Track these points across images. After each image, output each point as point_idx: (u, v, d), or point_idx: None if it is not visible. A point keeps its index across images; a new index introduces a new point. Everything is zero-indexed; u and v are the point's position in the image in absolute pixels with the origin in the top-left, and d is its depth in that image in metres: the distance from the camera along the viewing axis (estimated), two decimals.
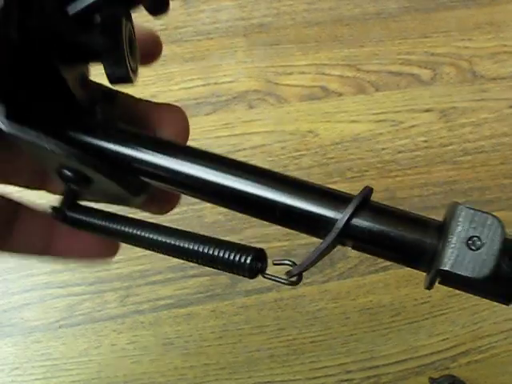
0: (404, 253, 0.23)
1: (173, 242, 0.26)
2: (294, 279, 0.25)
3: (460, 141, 0.73)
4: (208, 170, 0.24)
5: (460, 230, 0.22)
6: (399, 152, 0.72)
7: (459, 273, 0.21)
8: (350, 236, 0.23)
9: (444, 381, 0.60)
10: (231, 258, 0.25)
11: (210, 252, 0.26)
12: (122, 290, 0.64)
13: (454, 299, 0.65)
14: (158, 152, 0.24)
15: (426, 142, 0.73)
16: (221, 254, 0.25)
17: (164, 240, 0.27)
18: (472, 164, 0.72)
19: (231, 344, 0.62)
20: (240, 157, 0.71)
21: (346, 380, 0.61)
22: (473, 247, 0.21)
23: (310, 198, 0.23)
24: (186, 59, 0.78)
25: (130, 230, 0.27)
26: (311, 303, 0.64)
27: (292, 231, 0.70)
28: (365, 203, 0.22)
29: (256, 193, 0.23)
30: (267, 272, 0.26)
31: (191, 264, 0.73)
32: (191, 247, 0.26)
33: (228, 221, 0.68)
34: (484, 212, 0.22)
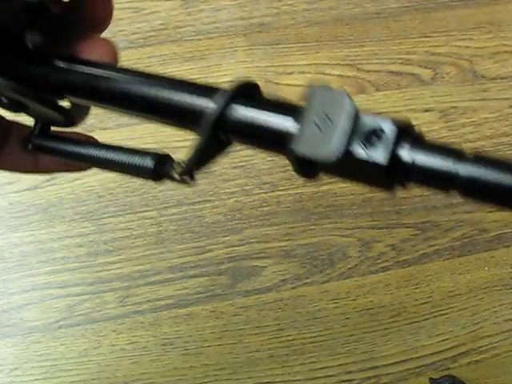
0: (271, 139, 0.23)
1: (100, 155, 0.29)
2: (186, 179, 0.27)
3: (460, 141, 0.73)
4: (116, 78, 0.25)
5: (312, 111, 0.21)
6: None
7: (309, 155, 0.20)
8: (226, 127, 0.23)
9: (444, 381, 0.60)
10: (137, 162, 0.27)
11: (121, 158, 0.28)
12: (122, 291, 0.64)
13: (455, 299, 0.65)
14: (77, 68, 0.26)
15: None
16: (128, 159, 0.28)
17: (97, 155, 0.29)
18: None
19: (231, 344, 0.62)
20: (240, 156, 0.71)
21: (346, 380, 0.61)
22: (323, 127, 0.20)
23: (186, 90, 0.24)
24: (185, 59, 0.77)
25: (77, 150, 0.30)
26: (311, 303, 0.64)
27: (292, 231, 0.70)
28: (240, 94, 0.23)
29: (138, 90, 0.24)
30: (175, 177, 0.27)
31: (191, 264, 0.73)
32: (107, 156, 0.28)
33: (228, 221, 0.68)
34: (337, 90, 0.21)
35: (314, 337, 0.63)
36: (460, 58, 0.79)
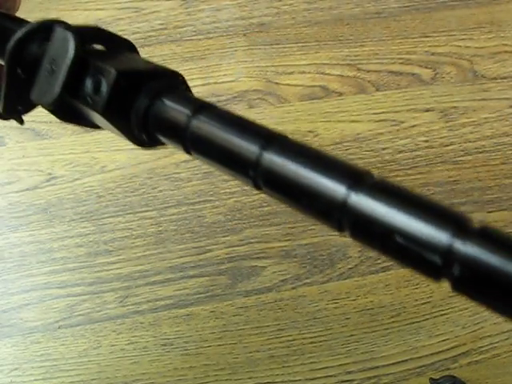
0: None
1: None
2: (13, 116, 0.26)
3: (461, 141, 0.73)
4: None
5: (47, 56, 0.21)
6: (400, 152, 0.72)
7: (36, 101, 0.20)
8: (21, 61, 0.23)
9: (445, 381, 0.60)
10: None
11: None
12: (122, 291, 0.64)
13: (455, 299, 0.65)
14: None
15: (426, 141, 0.73)
16: None
17: None
18: (473, 164, 0.71)
19: (231, 344, 0.62)
20: None
21: (346, 381, 0.61)
22: (51, 73, 0.20)
23: None
24: (185, 58, 0.77)
25: None
26: (311, 303, 0.64)
27: (292, 231, 0.70)
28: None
29: None
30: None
31: (191, 264, 0.73)
32: None
33: (228, 221, 0.68)
34: (71, 29, 0.21)
35: (314, 337, 0.63)
36: (460, 57, 0.79)
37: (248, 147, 0.20)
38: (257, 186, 0.20)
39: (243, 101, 0.74)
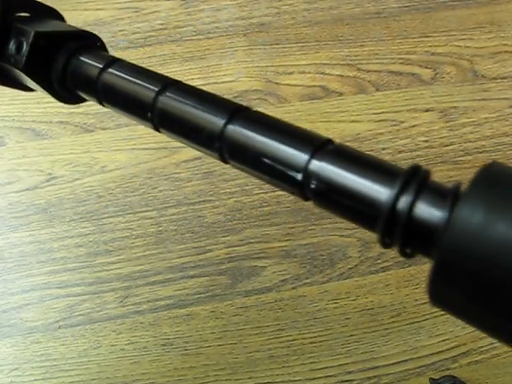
0: None
1: None
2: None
3: (461, 141, 0.73)
4: None
5: None
6: (400, 152, 0.72)
7: None
8: None
9: (445, 381, 0.60)
10: None
11: None
12: (122, 291, 0.64)
13: None
14: None
15: (426, 141, 0.73)
16: None
17: None
18: (473, 164, 0.71)
19: (231, 345, 0.62)
20: None
21: (346, 381, 0.61)
22: None
23: None
24: (185, 59, 0.77)
25: None
26: (311, 303, 0.64)
27: (292, 231, 0.70)
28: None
29: None
30: None
31: (191, 264, 0.73)
32: None
33: (228, 221, 0.68)
34: None
35: (314, 337, 0.63)
36: (460, 57, 0.79)
37: (146, 92, 0.23)
38: (154, 124, 0.23)
39: (243, 101, 0.74)
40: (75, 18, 0.79)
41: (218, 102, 0.23)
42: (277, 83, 0.76)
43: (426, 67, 0.78)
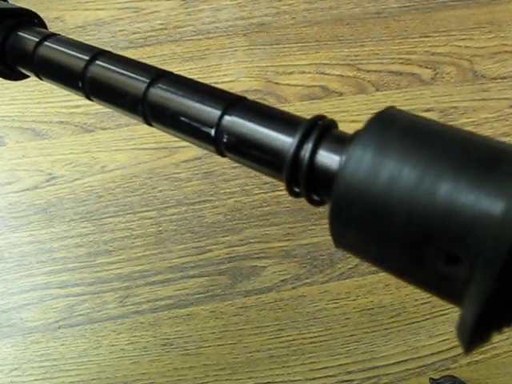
0: None
1: None
2: None
3: None
4: None
5: None
6: None
7: None
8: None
9: (445, 381, 0.60)
10: None
11: None
12: (122, 291, 0.64)
13: None
14: None
15: None
16: None
17: None
18: None
19: (231, 344, 0.62)
20: None
21: (346, 381, 0.61)
22: None
23: None
24: (185, 59, 0.77)
25: None
26: (311, 303, 0.64)
27: (292, 231, 0.70)
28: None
29: None
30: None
31: (191, 264, 0.73)
32: None
33: (228, 221, 0.68)
34: None
35: (314, 337, 0.63)
36: (460, 57, 0.79)
37: (76, 62, 0.25)
38: (85, 92, 0.25)
39: None
40: (75, 18, 0.79)
41: (140, 67, 0.24)
42: (277, 83, 0.76)
43: (426, 67, 0.78)
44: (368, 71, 0.77)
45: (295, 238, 0.67)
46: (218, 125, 0.21)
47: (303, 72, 0.77)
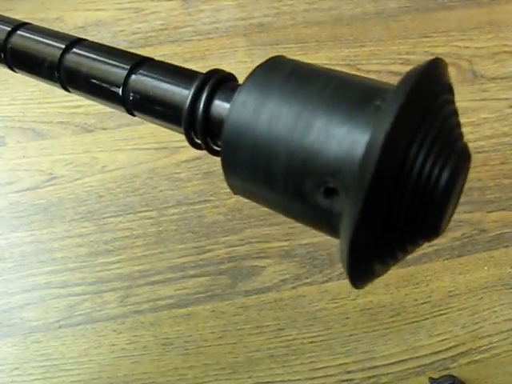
0: None
1: None
2: None
3: None
4: None
5: None
6: None
7: None
8: None
9: (444, 381, 0.60)
10: None
11: None
12: (122, 290, 0.64)
13: (455, 299, 0.65)
14: None
15: None
16: None
17: None
18: (472, 164, 0.71)
19: (231, 344, 0.62)
20: None
21: (345, 380, 0.61)
22: None
23: None
24: (186, 59, 0.78)
25: None
26: (311, 303, 0.64)
27: (292, 231, 0.70)
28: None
29: None
30: None
31: (191, 264, 0.73)
32: None
33: (228, 221, 0.68)
34: None
35: (314, 337, 0.63)
36: (460, 58, 0.79)
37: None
38: (7, 64, 0.26)
39: None
40: (76, 19, 0.79)
41: (59, 35, 0.25)
42: None
43: None
44: (368, 71, 0.77)
45: (295, 237, 0.67)
46: (124, 84, 0.22)
47: None
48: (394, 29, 0.80)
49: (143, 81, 0.21)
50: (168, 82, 0.21)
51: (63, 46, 0.24)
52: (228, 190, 0.73)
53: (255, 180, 0.17)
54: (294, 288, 0.65)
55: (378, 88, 0.16)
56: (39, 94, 0.73)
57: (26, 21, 0.27)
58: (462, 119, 0.67)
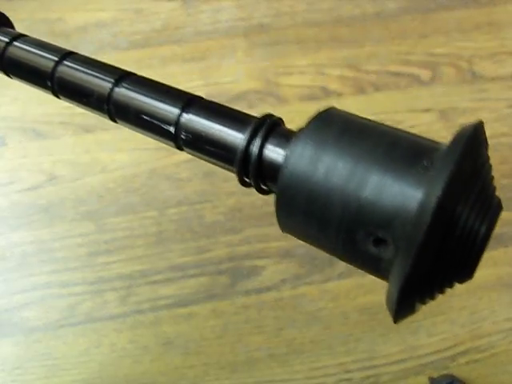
0: None
1: None
2: None
3: None
4: None
5: None
6: None
7: None
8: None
9: (443, 380, 0.60)
10: None
11: None
12: (123, 290, 0.64)
13: (454, 299, 0.65)
14: None
15: None
16: None
17: None
18: None
19: (231, 343, 0.63)
20: None
21: (345, 379, 0.62)
22: None
23: None
24: (186, 59, 0.78)
25: None
26: (311, 303, 0.65)
27: None
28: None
29: None
30: None
31: (191, 264, 0.73)
32: None
33: (228, 220, 0.68)
34: None
35: (314, 336, 0.63)
36: (459, 58, 0.79)
37: (46, 63, 0.26)
38: (54, 91, 0.27)
39: (243, 101, 0.75)
40: (76, 20, 0.80)
41: (105, 68, 0.26)
42: (277, 84, 0.76)
43: (425, 68, 0.78)
44: (367, 72, 0.78)
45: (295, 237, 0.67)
46: (177, 123, 0.23)
47: (303, 72, 0.77)
48: (393, 29, 0.81)
49: (196, 121, 0.22)
50: (221, 124, 0.22)
51: (113, 80, 0.24)
52: (228, 190, 0.74)
53: (309, 224, 0.19)
54: (293, 288, 0.65)
55: (425, 147, 0.18)
56: (40, 94, 0.73)
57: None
58: (462, 119, 0.68)
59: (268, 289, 0.65)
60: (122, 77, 0.25)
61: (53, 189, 0.69)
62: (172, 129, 0.23)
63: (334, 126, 0.19)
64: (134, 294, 0.64)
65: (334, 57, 0.79)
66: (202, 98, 0.24)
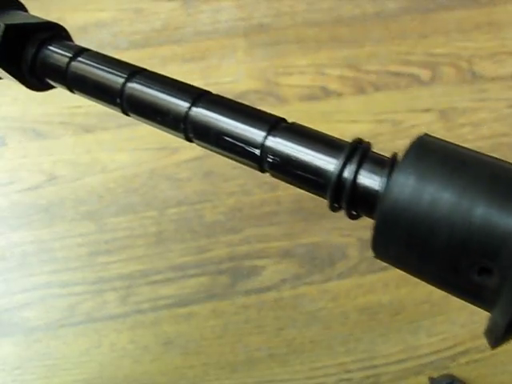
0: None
1: None
2: None
3: (459, 141, 0.73)
4: None
5: None
6: (399, 152, 0.72)
7: None
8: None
9: (443, 380, 0.60)
10: None
11: None
12: (123, 290, 0.64)
13: (454, 298, 0.65)
14: None
15: None
16: None
17: None
18: None
19: (231, 343, 0.63)
20: None
21: (345, 379, 0.62)
22: None
23: None
24: (186, 59, 0.78)
25: None
26: (311, 303, 0.65)
27: (292, 231, 0.70)
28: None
29: None
30: None
31: (191, 264, 0.73)
32: None
33: (228, 220, 0.68)
34: None
35: (314, 336, 0.63)
36: (459, 58, 0.79)
37: (114, 79, 0.25)
38: (123, 109, 0.25)
39: (243, 101, 0.75)
40: (76, 19, 0.80)
41: (181, 87, 0.25)
42: (277, 83, 0.76)
43: (425, 68, 0.78)
44: (367, 72, 0.78)
45: (295, 237, 0.67)
46: (262, 145, 0.22)
47: (303, 72, 0.77)
48: (393, 29, 0.81)
49: (284, 145, 0.22)
50: (312, 149, 0.21)
51: (191, 101, 0.24)
52: (228, 190, 0.74)
53: (409, 253, 0.19)
54: (293, 288, 0.65)
55: None
56: (40, 95, 0.73)
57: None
58: (461, 119, 0.68)
59: (268, 289, 0.65)
60: (199, 96, 0.24)
61: (53, 189, 0.69)
62: (257, 152, 0.22)
63: (433, 156, 0.19)
64: (134, 294, 0.64)
65: (334, 57, 0.79)
66: (285, 121, 0.23)
